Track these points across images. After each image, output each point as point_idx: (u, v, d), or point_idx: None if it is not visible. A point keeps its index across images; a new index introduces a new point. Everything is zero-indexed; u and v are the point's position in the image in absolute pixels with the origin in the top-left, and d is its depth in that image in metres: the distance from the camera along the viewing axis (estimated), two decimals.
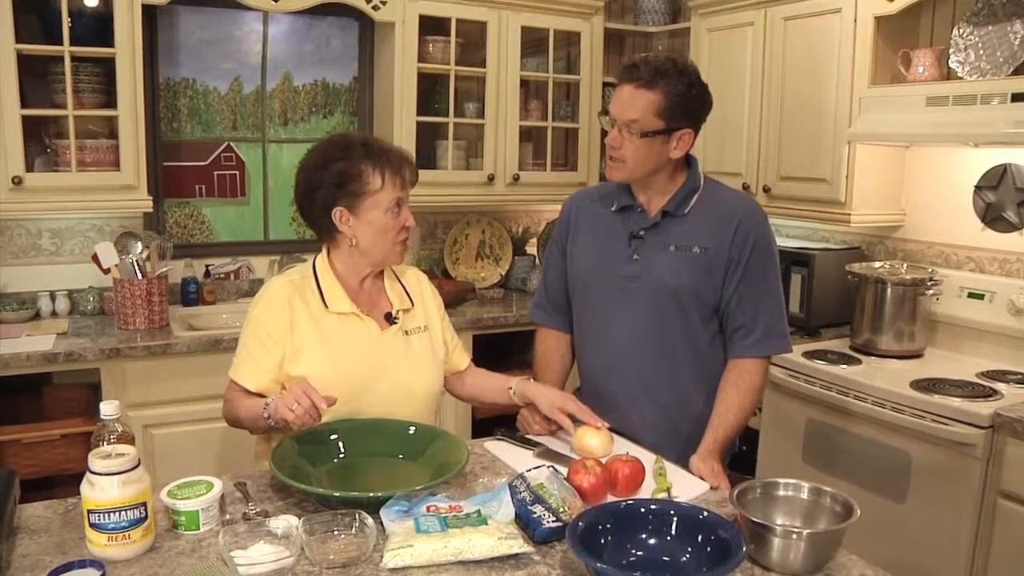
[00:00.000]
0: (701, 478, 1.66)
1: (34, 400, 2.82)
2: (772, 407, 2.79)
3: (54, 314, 3.04)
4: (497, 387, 1.95)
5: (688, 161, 1.89)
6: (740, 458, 3.12)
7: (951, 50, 2.68)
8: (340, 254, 1.79)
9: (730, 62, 3.27)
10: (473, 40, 3.47)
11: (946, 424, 2.23)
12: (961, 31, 2.67)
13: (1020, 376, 2.46)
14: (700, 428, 1.85)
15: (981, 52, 2.62)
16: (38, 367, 2.59)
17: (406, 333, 1.82)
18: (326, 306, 1.75)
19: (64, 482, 2.69)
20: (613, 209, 1.91)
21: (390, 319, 1.80)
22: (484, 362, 3.29)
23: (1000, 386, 2.38)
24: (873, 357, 2.71)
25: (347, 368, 1.72)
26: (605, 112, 1.86)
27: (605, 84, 3.73)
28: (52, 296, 3.05)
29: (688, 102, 1.77)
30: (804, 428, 2.65)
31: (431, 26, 3.32)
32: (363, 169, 1.69)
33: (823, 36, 2.87)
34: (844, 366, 2.60)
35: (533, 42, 3.56)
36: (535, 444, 1.80)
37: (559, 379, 2.06)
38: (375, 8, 3.18)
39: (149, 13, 2.99)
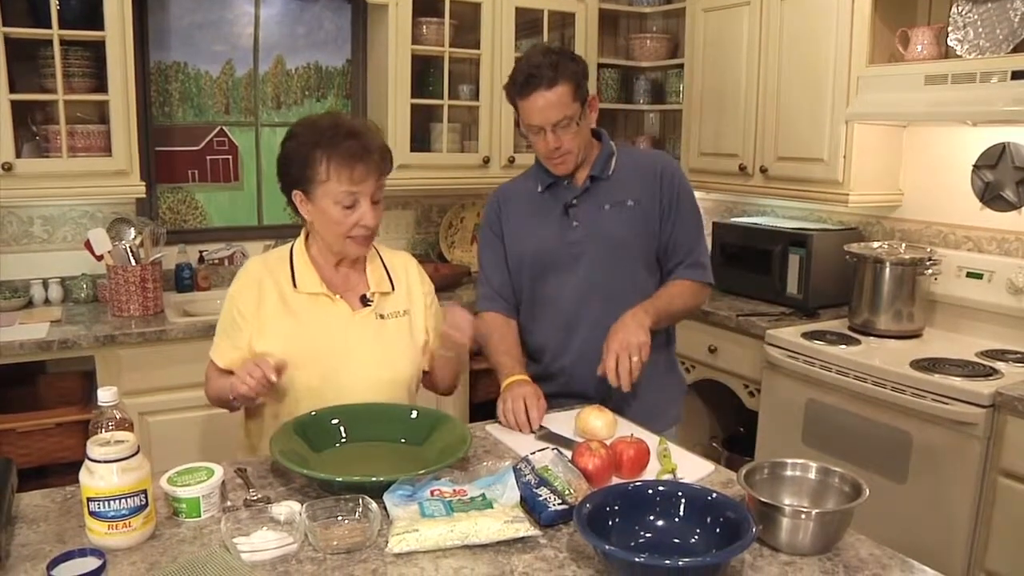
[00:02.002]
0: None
1: (29, 389, 2.80)
2: (771, 388, 2.79)
3: (47, 302, 3.01)
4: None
5: (598, 135, 2.04)
6: (739, 440, 3.14)
7: (950, 28, 2.66)
8: (314, 236, 1.80)
9: (726, 42, 3.24)
10: (467, 22, 3.43)
11: (947, 403, 2.23)
12: (960, 9, 2.65)
13: (1019, 355, 2.46)
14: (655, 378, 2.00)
15: (980, 30, 2.60)
16: (32, 355, 2.56)
17: (381, 316, 1.79)
18: (295, 286, 1.75)
19: (60, 471, 2.66)
20: (540, 190, 2.02)
21: (364, 301, 1.79)
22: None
23: (1000, 365, 2.38)
24: (872, 337, 2.70)
25: (312, 346, 1.71)
26: (522, 131, 1.96)
27: (600, 66, 3.71)
28: (45, 284, 3.02)
29: (583, 74, 1.89)
30: (804, 409, 2.65)
31: (425, 8, 3.28)
32: (313, 156, 1.66)
33: (820, 15, 2.85)
34: (843, 346, 2.59)
35: (527, 23, 3.53)
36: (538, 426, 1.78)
37: (513, 339, 2.04)
38: None
39: None
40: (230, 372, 1.72)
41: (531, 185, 2.04)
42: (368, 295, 1.79)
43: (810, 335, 2.70)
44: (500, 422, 1.81)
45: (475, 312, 2.07)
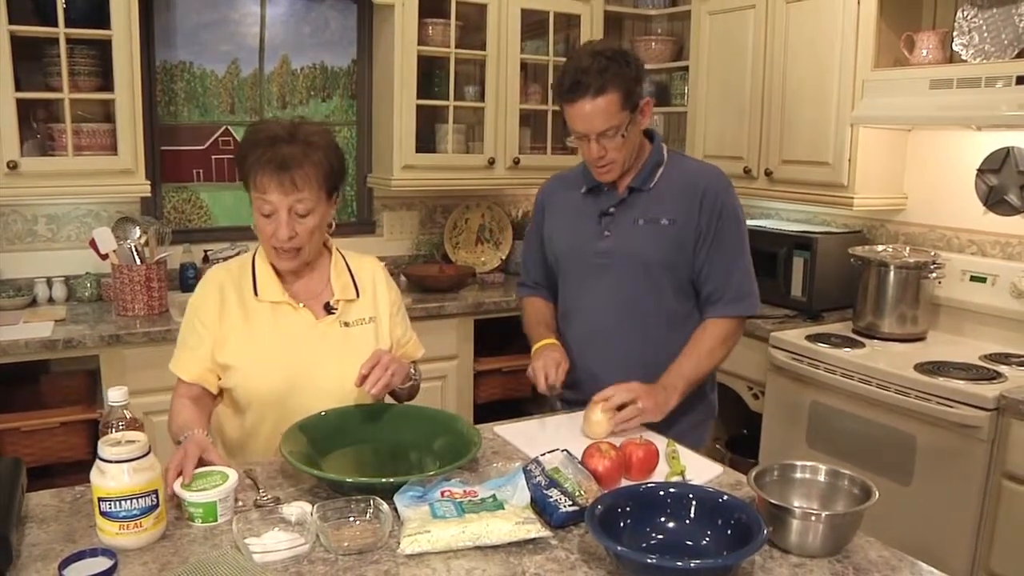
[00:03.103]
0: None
1: (32, 388, 2.80)
2: (775, 390, 2.79)
3: (51, 300, 3.01)
4: None
5: (650, 136, 1.94)
6: (743, 442, 3.14)
7: (955, 33, 2.67)
8: None
9: (731, 45, 3.25)
10: (473, 23, 3.43)
11: (951, 407, 2.23)
12: (965, 14, 2.66)
13: (1023, 359, 2.47)
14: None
15: (985, 35, 2.60)
16: (37, 354, 2.56)
17: (346, 324, 1.74)
18: (257, 294, 1.71)
19: (63, 470, 2.67)
20: (583, 191, 1.97)
21: (328, 309, 1.74)
22: (485, 347, 3.31)
23: (1003, 369, 2.39)
24: (876, 340, 2.71)
25: (276, 357, 1.67)
26: (567, 134, 1.87)
27: None
28: (49, 282, 3.02)
29: (636, 79, 1.78)
30: (808, 411, 2.65)
31: (431, 8, 3.28)
32: (244, 160, 1.63)
33: (826, 19, 2.85)
34: (848, 349, 2.60)
35: (532, 25, 3.53)
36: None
37: (547, 313, 2.10)
38: None
39: None
40: (196, 385, 1.67)
41: (578, 183, 1.98)
42: (332, 303, 1.75)
43: (814, 338, 2.70)
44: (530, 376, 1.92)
45: (518, 298, 2.20)
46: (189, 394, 1.68)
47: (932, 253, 2.78)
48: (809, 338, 2.70)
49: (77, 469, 2.66)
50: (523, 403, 3.51)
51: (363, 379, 1.62)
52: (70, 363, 2.77)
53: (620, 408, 1.73)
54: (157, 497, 1.27)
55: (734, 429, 3.28)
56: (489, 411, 3.24)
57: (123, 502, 1.24)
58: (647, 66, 3.71)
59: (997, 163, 2.69)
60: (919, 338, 2.73)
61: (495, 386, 3.40)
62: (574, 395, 1.94)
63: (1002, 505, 2.19)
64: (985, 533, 2.23)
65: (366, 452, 1.61)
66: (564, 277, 2.04)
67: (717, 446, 3.21)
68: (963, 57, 2.65)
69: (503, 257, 3.81)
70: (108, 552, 1.20)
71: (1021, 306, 2.58)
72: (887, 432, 2.41)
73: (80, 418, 2.64)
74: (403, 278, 3.45)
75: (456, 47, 3.34)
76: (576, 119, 1.79)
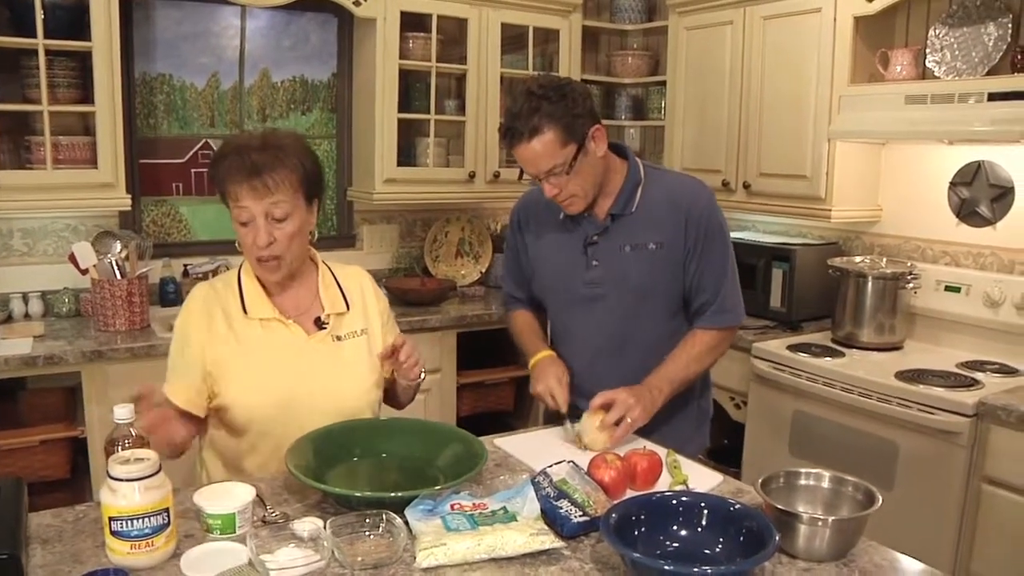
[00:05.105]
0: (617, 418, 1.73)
1: (8, 406, 2.74)
2: (757, 400, 2.84)
3: (27, 316, 2.95)
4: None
5: (622, 152, 1.90)
6: (724, 452, 3.18)
7: (928, 50, 2.76)
8: None
9: (708, 60, 3.31)
10: (453, 37, 3.46)
11: (932, 413, 2.29)
12: (937, 32, 2.74)
13: (998, 366, 2.54)
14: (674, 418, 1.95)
15: (957, 52, 2.69)
16: (16, 371, 2.51)
17: (338, 338, 1.72)
18: (246, 312, 1.67)
19: (42, 490, 2.61)
20: (561, 217, 1.91)
21: (319, 324, 1.72)
22: (468, 360, 3.31)
23: (979, 376, 2.46)
24: (855, 349, 2.77)
25: (270, 375, 1.65)
26: (522, 173, 1.83)
27: (583, 82, 3.75)
28: (25, 298, 2.96)
29: (575, 110, 1.71)
30: (791, 420, 2.70)
31: (412, 22, 3.30)
32: (220, 174, 1.60)
33: (803, 35, 2.92)
34: (828, 358, 2.65)
35: (512, 39, 3.56)
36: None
37: (537, 324, 2.09)
38: (356, 4, 3.14)
39: (124, 6, 2.90)
40: (186, 412, 1.63)
41: (554, 208, 1.89)
42: (323, 317, 1.72)
43: (795, 348, 2.75)
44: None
45: (506, 312, 2.17)
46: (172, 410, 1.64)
47: (908, 264, 2.86)
48: (790, 348, 2.75)
49: (57, 488, 2.61)
50: (507, 416, 3.52)
51: (391, 353, 1.64)
52: (49, 380, 2.71)
53: (617, 422, 1.74)
54: (168, 515, 1.26)
55: (716, 440, 3.32)
56: (472, 424, 3.24)
57: (135, 521, 1.22)
58: (623, 80, 3.82)
59: (969, 176, 2.77)
60: (897, 347, 2.80)
61: (478, 399, 3.41)
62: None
63: (982, 509, 2.25)
64: (966, 536, 2.29)
65: (371, 466, 1.61)
66: (554, 307, 2.02)
67: (700, 456, 3.24)
68: (936, 74, 2.73)
69: (483, 270, 3.82)
70: (120, 572, 1.19)
71: (994, 315, 2.65)
72: (869, 439, 2.46)
73: (60, 436, 2.59)
74: (384, 291, 3.44)
75: (437, 61, 3.36)
76: (522, 162, 1.75)
